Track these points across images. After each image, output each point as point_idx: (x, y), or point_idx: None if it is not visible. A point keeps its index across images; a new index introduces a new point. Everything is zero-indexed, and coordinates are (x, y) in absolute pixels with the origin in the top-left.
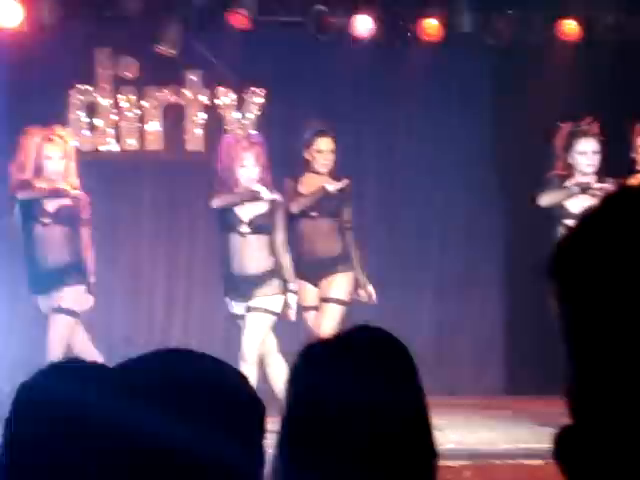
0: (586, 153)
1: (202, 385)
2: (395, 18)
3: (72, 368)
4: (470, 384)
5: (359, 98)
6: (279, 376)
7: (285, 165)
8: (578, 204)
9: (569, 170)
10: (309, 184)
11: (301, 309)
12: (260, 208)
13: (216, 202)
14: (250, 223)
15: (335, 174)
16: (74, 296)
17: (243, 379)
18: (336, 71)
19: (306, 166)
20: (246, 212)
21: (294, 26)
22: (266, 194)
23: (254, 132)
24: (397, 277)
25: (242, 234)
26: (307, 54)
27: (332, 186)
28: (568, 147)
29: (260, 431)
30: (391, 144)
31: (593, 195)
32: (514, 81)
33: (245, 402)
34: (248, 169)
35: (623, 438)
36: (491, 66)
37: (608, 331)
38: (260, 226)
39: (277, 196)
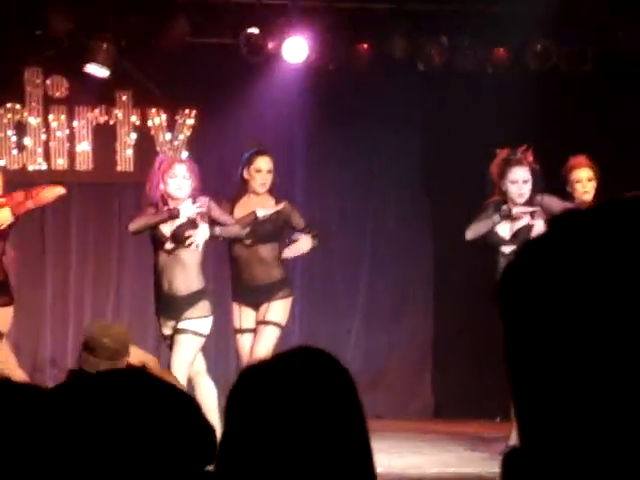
0: (517, 182)
1: (149, 409)
2: (328, 42)
3: (3, 388)
4: (399, 408)
5: (290, 121)
6: (208, 398)
7: (217, 186)
8: (507, 229)
9: (504, 197)
10: (246, 206)
11: (237, 331)
12: (185, 223)
13: (132, 226)
14: (174, 238)
15: (275, 194)
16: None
17: (190, 403)
18: (268, 94)
19: (245, 186)
20: (169, 228)
21: (226, 48)
22: (186, 211)
23: (185, 153)
24: (327, 302)
25: (168, 251)
26: (239, 76)
27: (263, 212)
28: (502, 174)
29: (211, 457)
30: (321, 168)
31: (517, 220)
32: (444, 107)
33: (193, 427)
34: (178, 180)
35: (565, 460)
36: (422, 92)
37: (545, 353)
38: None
39: (198, 210)
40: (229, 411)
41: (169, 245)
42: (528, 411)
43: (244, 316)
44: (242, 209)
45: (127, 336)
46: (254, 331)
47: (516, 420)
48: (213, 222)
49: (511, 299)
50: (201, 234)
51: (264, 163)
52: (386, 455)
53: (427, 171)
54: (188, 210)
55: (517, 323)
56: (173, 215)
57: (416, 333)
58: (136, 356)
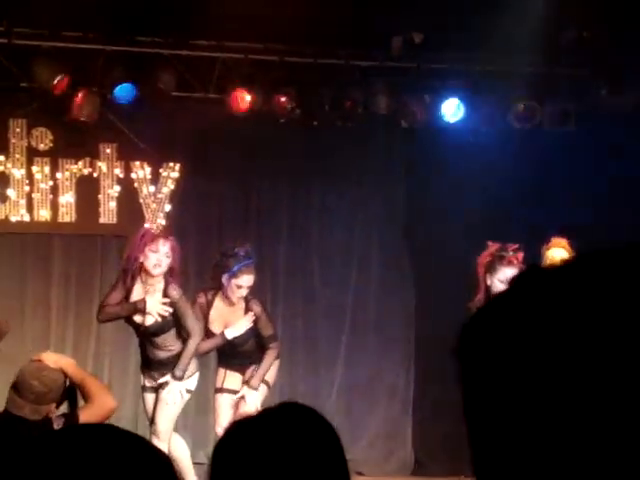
0: (504, 282)
1: (121, 464)
2: (314, 99)
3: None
4: (379, 465)
5: (275, 175)
6: (181, 454)
7: (196, 241)
8: None
9: (486, 293)
10: (219, 314)
11: (217, 390)
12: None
13: (101, 317)
14: (147, 328)
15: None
16: None
17: (163, 458)
18: (253, 148)
19: (221, 287)
20: (140, 317)
21: (211, 102)
22: (153, 306)
23: (168, 206)
24: (309, 354)
25: (143, 330)
26: (224, 131)
27: (232, 333)
28: (490, 270)
29: None
30: (306, 221)
31: None
32: (427, 162)
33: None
34: (159, 256)
35: None
36: (405, 147)
37: (497, 414)
38: (158, 329)
39: (164, 312)
40: (215, 465)
41: (142, 327)
42: (484, 470)
43: (228, 377)
44: (215, 312)
45: (59, 382)
46: (235, 392)
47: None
48: (179, 322)
49: (467, 357)
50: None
51: (247, 281)
52: None
53: (410, 223)
54: (155, 306)
55: (472, 382)
56: (139, 309)
57: (397, 389)
58: (52, 360)
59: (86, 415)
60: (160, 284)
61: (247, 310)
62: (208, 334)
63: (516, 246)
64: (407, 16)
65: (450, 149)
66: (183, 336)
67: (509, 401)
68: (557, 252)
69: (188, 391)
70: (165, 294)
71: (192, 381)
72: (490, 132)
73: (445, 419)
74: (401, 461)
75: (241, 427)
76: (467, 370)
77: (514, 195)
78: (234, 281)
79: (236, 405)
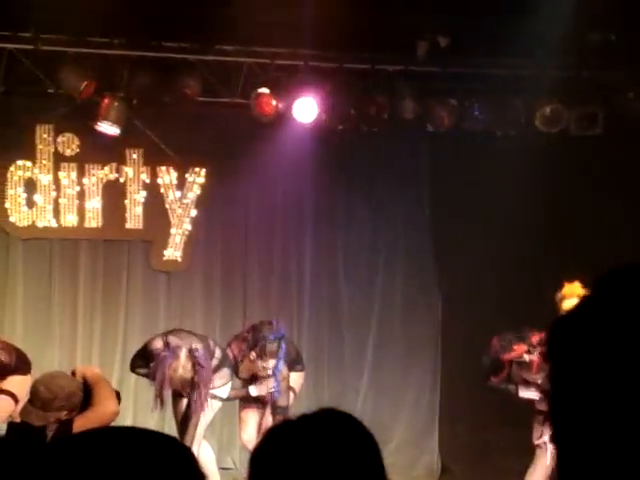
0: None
1: (153, 464)
2: (338, 103)
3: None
4: (406, 469)
5: (299, 181)
6: (207, 459)
7: (223, 244)
8: None
9: (509, 377)
10: (247, 367)
11: (243, 400)
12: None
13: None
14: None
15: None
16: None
17: (192, 458)
18: (278, 153)
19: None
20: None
21: (237, 107)
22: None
23: (194, 211)
24: (335, 362)
25: None
26: (249, 135)
27: (256, 391)
28: (513, 366)
29: None
30: (331, 226)
31: None
32: (453, 167)
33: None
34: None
35: None
36: (431, 152)
37: (588, 408)
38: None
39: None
40: (253, 471)
41: None
42: (569, 459)
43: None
44: (244, 368)
45: (68, 390)
46: (261, 401)
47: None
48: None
49: (557, 349)
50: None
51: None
52: None
53: (435, 230)
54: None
55: (561, 372)
56: None
57: (423, 394)
58: (80, 371)
59: (82, 420)
60: None
61: (274, 371)
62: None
63: (541, 350)
64: (433, 20)
65: (476, 153)
66: None
67: (599, 385)
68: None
69: (221, 399)
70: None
71: (224, 390)
72: (515, 136)
73: (471, 425)
74: (427, 467)
75: (279, 432)
76: (556, 360)
77: (539, 198)
78: (265, 351)
79: (262, 414)
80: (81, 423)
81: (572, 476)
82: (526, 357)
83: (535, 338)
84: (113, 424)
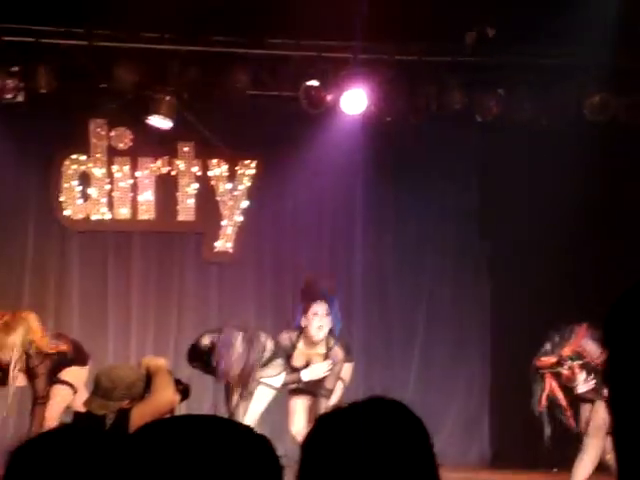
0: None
1: (228, 451)
2: (387, 94)
3: (69, 435)
4: (456, 457)
5: (348, 172)
6: None
7: (274, 235)
8: None
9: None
10: (299, 355)
11: (291, 391)
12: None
13: None
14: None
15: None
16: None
17: (267, 443)
18: (327, 145)
19: (302, 331)
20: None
21: (286, 100)
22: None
23: (246, 202)
24: (385, 351)
25: None
26: (299, 128)
27: (308, 376)
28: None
29: None
30: (380, 217)
31: None
32: (501, 157)
33: (269, 467)
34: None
35: None
36: (479, 143)
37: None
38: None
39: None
40: (304, 459)
41: None
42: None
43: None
44: (296, 354)
45: (128, 380)
46: (310, 393)
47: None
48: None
49: (614, 332)
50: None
51: (320, 308)
52: None
53: (484, 219)
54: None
55: (619, 354)
56: None
57: (473, 381)
58: (146, 362)
59: (139, 409)
60: None
61: (328, 354)
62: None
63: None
64: (480, 11)
65: (524, 142)
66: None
67: None
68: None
69: (275, 388)
70: None
71: (278, 379)
72: (564, 125)
73: (522, 411)
74: (479, 453)
75: (329, 420)
76: (613, 343)
77: (588, 186)
78: (309, 312)
79: (310, 406)
80: (138, 412)
81: (634, 465)
82: (558, 368)
83: (566, 351)
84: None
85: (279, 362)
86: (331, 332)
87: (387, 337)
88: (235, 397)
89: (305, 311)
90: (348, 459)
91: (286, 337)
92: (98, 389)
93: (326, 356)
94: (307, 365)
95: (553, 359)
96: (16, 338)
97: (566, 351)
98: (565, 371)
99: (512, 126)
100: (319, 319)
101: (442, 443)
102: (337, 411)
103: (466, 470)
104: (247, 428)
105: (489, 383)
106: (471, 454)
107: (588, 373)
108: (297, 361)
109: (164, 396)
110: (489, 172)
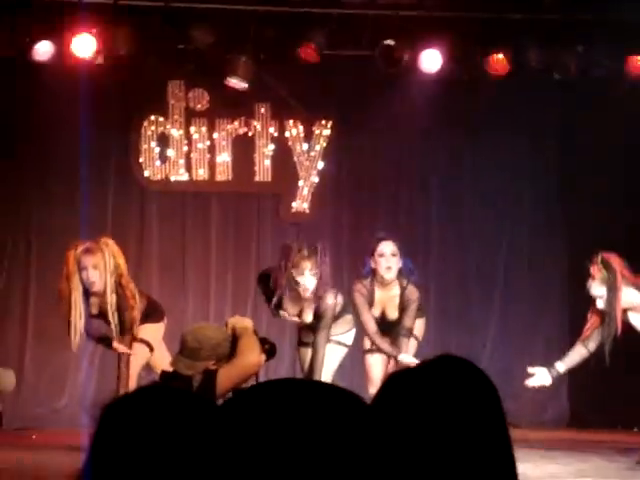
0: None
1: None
2: (463, 53)
3: (161, 394)
4: (534, 417)
5: (426, 131)
6: None
7: (351, 195)
8: None
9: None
10: (378, 303)
11: (366, 352)
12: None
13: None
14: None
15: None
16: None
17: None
18: (403, 104)
19: (374, 275)
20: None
21: (363, 60)
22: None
23: (322, 163)
24: (462, 311)
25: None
26: (375, 87)
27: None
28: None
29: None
30: (457, 176)
31: None
32: (580, 115)
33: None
34: (305, 278)
35: None
36: (557, 100)
37: None
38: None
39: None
40: (373, 419)
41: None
42: None
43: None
44: (376, 303)
45: (214, 341)
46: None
47: None
48: None
49: None
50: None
51: (387, 247)
52: (521, 464)
53: (563, 179)
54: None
55: None
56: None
57: (551, 343)
58: (232, 323)
59: (225, 370)
60: None
61: (403, 295)
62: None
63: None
64: None
65: (603, 99)
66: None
67: None
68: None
69: (346, 346)
70: None
71: (349, 336)
72: None
73: (601, 370)
74: (557, 413)
75: (399, 379)
76: None
77: None
78: (376, 253)
79: (387, 364)
80: (225, 373)
81: None
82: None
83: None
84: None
85: (348, 318)
86: (402, 273)
87: (465, 300)
88: (307, 356)
89: (372, 254)
90: (416, 419)
91: (360, 286)
92: (184, 349)
93: (402, 296)
94: (384, 313)
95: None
96: (101, 260)
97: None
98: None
99: (591, 83)
100: (386, 260)
101: (520, 402)
102: (406, 370)
103: (544, 430)
104: (341, 390)
105: (567, 343)
106: (549, 413)
107: None
108: (376, 310)
109: (250, 358)
110: (567, 129)
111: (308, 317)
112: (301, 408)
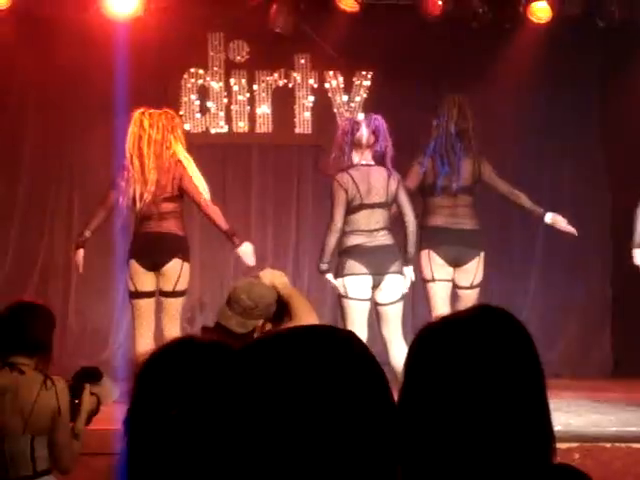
0: None
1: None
2: (504, 1)
3: (197, 346)
4: (577, 367)
5: (466, 81)
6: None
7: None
8: None
9: None
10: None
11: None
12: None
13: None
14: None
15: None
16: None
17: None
18: (444, 53)
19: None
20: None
21: (403, 9)
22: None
23: (362, 115)
24: (504, 261)
25: None
26: (415, 37)
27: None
28: None
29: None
30: (496, 126)
31: None
32: (623, 63)
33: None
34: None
35: None
36: (600, 48)
37: None
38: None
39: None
40: (408, 368)
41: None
42: None
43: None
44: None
45: (267, 300)
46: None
47: None
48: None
49: None
50: None
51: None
52: (564, 414)
53: (603, 126)
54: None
55: None
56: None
57: (594, 292)
58: (267, 277)
59: None
60: None
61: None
62: None
63: None
64: None
65: None
66: None
67: None
68: None
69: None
70: None
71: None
72: None
73: None
74: (599, 362)
75: (435, 330)
76: None
77: None
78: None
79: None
80: None
81: None
82: None
83: None
84: None
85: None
86: None
87: (507, 248)
88: None
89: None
90: (450, 370)
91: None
92: (238, 306)
93: None
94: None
95: None
96: None
97: None
98: None
99: (636, 30)
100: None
101: (562, 352)
102: (441, 321)
103: (587, 379)
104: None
105: (610, 292)
106: (591, 363)
107: None
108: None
109: (309, 321)
110: (612, 78)
111: None
112: (321, 357)
